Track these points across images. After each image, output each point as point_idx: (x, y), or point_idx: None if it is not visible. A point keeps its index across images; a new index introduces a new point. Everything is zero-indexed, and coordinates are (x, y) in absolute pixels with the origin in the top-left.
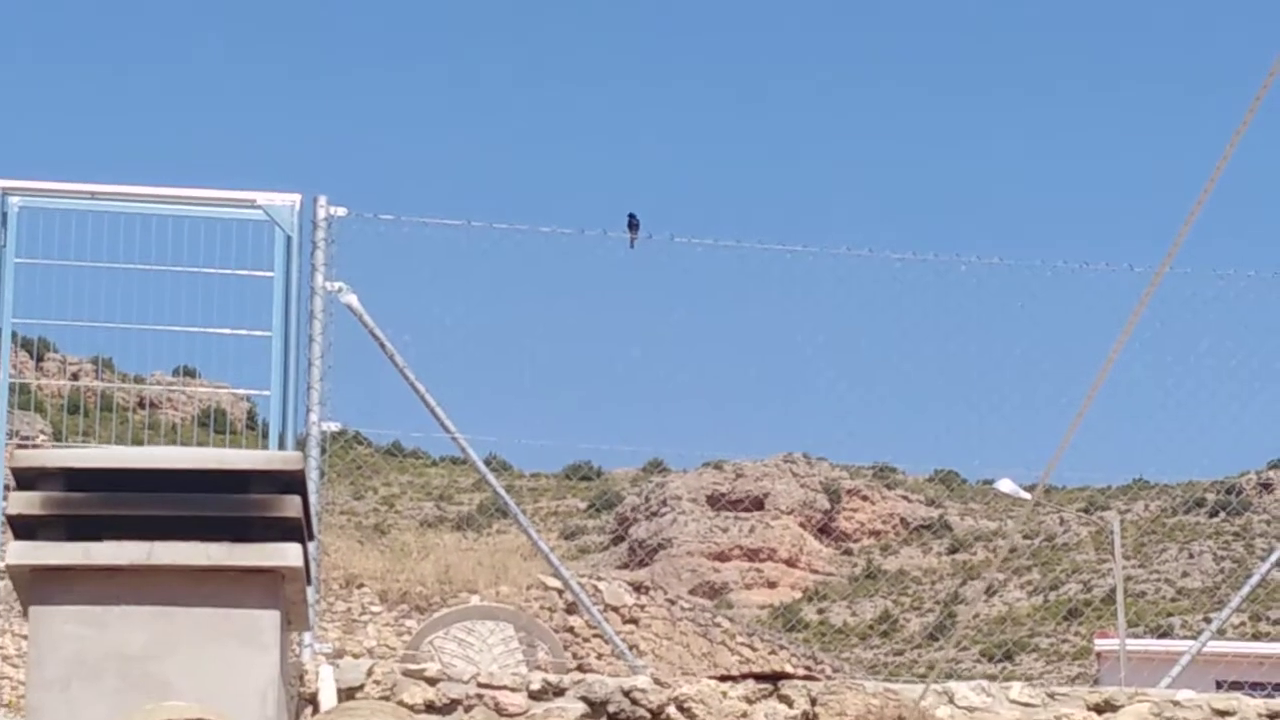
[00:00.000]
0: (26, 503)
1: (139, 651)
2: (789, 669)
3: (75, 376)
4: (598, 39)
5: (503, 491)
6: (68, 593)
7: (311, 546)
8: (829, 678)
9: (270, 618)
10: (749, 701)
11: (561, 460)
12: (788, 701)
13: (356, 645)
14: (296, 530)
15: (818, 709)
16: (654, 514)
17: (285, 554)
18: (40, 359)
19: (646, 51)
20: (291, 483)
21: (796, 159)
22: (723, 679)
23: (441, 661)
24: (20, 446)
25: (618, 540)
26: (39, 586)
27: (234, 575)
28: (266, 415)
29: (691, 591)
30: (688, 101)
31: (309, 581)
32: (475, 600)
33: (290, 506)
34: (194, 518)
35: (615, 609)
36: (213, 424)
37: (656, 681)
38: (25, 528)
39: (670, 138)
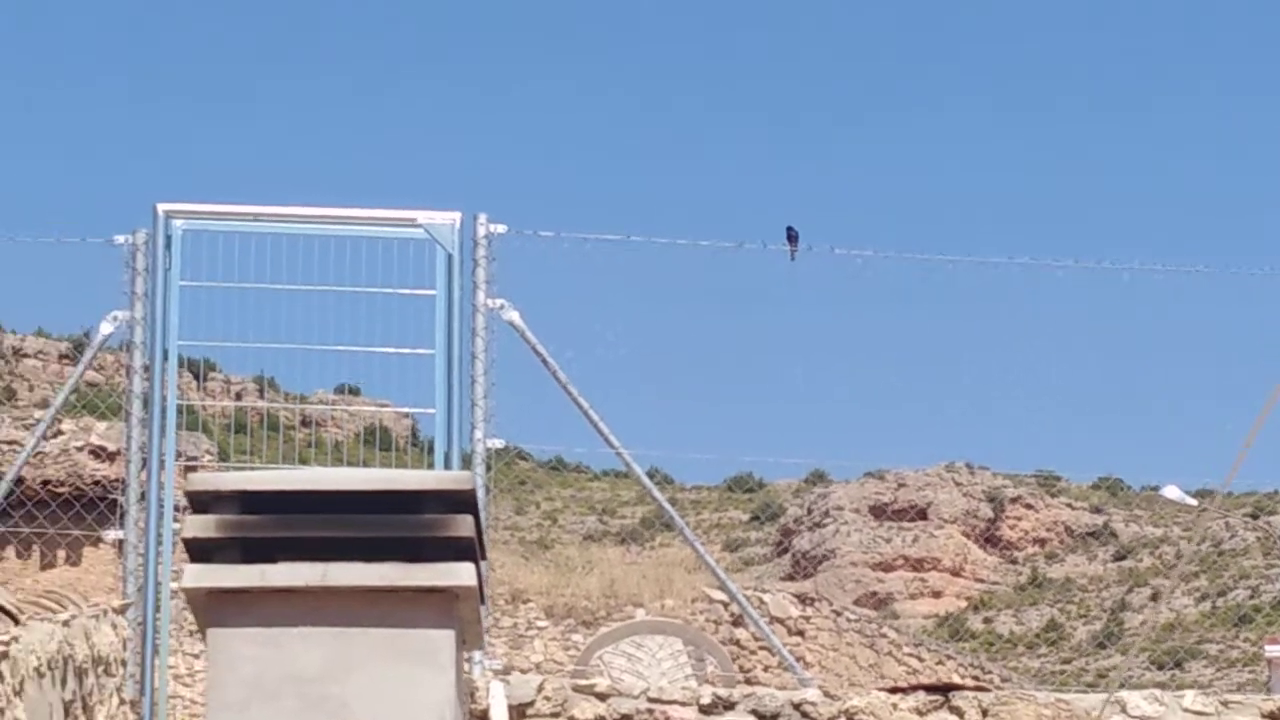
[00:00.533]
0: (202, 526)
1: (316, 673)
2: (957, 679)
3: (239, 396)
4: (752, 53)
5: (667, 505)
6: (244, 615)
7: (484, 565)
8: (998, 688)
9: (445, 637)
10: (920, 714)
11: (722, 472)
12: (959, 713)
13: (523, 660)
14: (469, 549)
15: None
16: (817, 525)
17: (459, 573)
18: (203, 379)
19: (797, 64)
20: (463, 502)
21: (960, 167)
22: (893, 691)
23: (611, 676)
24: (188, 467)
25: (781, 551)
26: (216, 609)
27: (408, 595)
28: (429, 433)
29: (855, 602)
30: (847, 112)
31: (482, 600)
32: (641, 614)
33: (463, 526)
34: (367, 539)
35: (780, 621)
36: (377, 441)
37: (826, 694)
38: (201, 550)
39: (826, 149)
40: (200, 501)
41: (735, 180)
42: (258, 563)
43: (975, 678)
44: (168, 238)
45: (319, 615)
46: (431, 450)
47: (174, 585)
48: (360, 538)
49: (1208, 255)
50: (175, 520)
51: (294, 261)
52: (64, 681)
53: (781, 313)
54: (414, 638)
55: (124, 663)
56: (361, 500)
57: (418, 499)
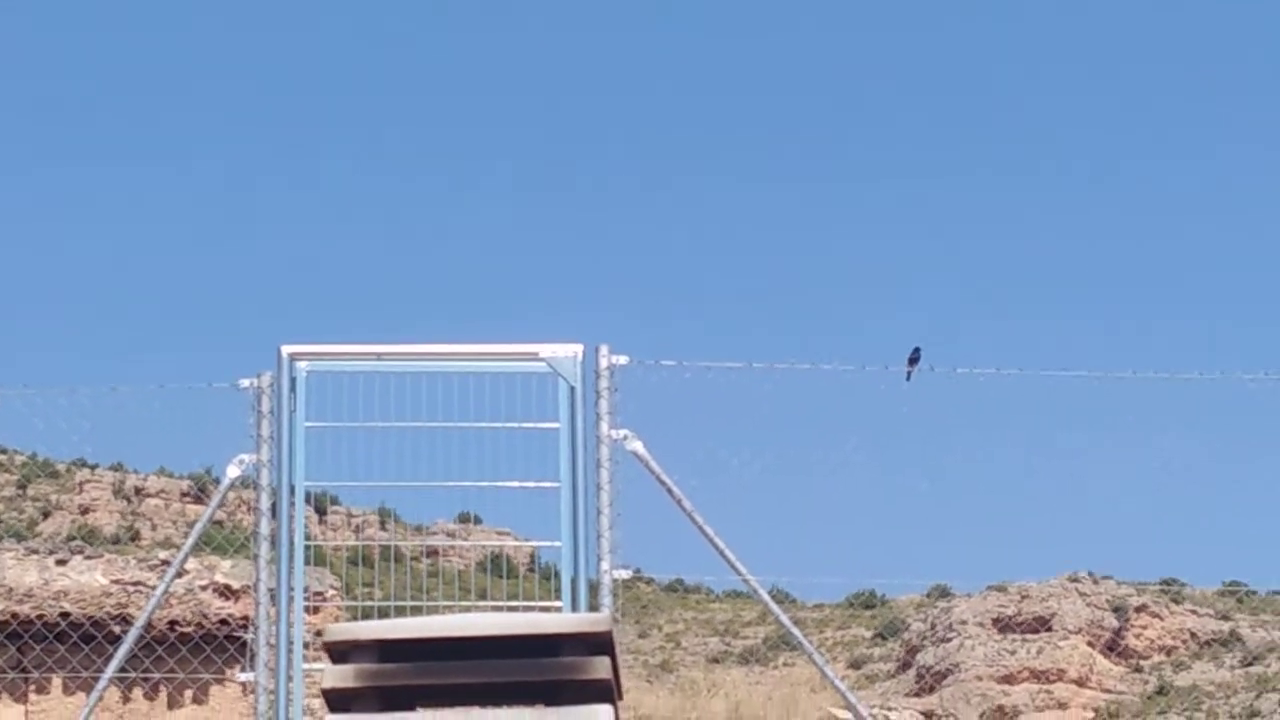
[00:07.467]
0: (340, 676)
1: None
2: None
3: (359, 529)
4: (870, 178)
5: (794, 629)
6: None
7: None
8: None
9: None
10: None
11: (844, 590)
12: None
13: None
14: (607, 691)
15: None
16: (941, 639)
17: (597, 715)
18: (323, 513)
19: (911, 183)
20: (601, 644)
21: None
22: None
23: None
24: (312, 605)
25: (904, 667)
26: None
27: None
28: (549, 560)
29: (981, 716)
30: (967, 235)
31: None
32: None
33: (601, 668)
34: (506, 684)
35: None
36: (491, 569)
37: None
38: (340, 701)
39: (950, 268)
40: (339, 652)
41: (858, 300)
42: (397, 710)
43: None
44: (292, 380)
45: None
46: (552, 577)
47: None
48: (499, 683)
49: None
50: (305, 658)
51: (417, 398)
52: None
53: (905, 431)
54: None
55: None
56: (499, 645)
57: (555, 643)
